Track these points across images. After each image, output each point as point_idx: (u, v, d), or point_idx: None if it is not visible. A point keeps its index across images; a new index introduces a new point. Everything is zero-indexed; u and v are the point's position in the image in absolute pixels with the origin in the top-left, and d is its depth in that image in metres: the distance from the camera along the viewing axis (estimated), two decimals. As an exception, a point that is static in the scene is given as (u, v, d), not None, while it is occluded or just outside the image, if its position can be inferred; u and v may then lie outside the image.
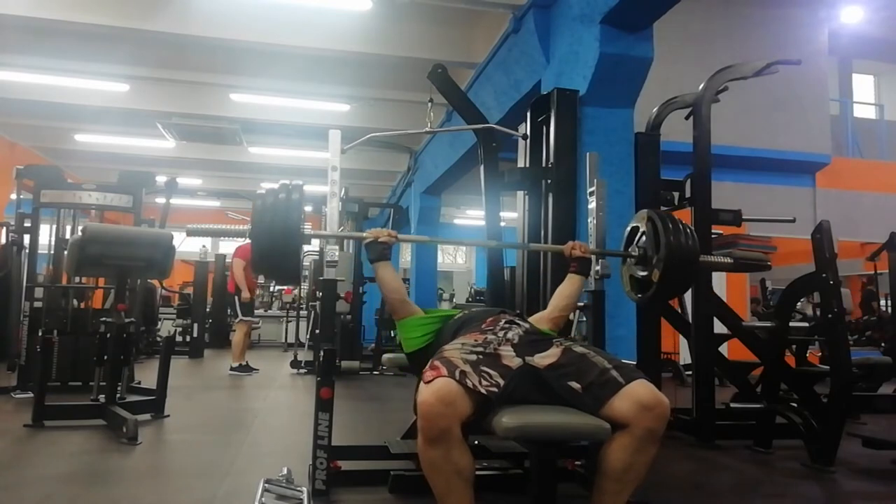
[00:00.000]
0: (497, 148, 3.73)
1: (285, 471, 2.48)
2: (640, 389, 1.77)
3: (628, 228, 2.58)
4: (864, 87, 11.18)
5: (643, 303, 2.62)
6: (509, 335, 2.01)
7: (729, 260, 2.70)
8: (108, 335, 3.99)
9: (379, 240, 2.34)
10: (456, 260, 18.12)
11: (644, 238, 2.44)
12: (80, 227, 4.27)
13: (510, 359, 1.89)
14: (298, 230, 2.16)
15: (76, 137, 9.36)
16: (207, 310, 9.47)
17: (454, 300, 13.49)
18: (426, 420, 1.69)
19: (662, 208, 4.10)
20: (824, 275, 3.35)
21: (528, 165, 3.73)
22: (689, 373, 5.38)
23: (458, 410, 1.70)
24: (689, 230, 2.37)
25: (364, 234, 2.40)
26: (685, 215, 4.07)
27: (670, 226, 2.33)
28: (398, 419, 3.47)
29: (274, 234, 2.12)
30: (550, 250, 2.53)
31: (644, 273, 2.44)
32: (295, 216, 2.15)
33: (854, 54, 10.29)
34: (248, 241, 2.19)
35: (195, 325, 8.72)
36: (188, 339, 8.89)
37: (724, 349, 4.63)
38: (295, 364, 7.23)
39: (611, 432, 1.75)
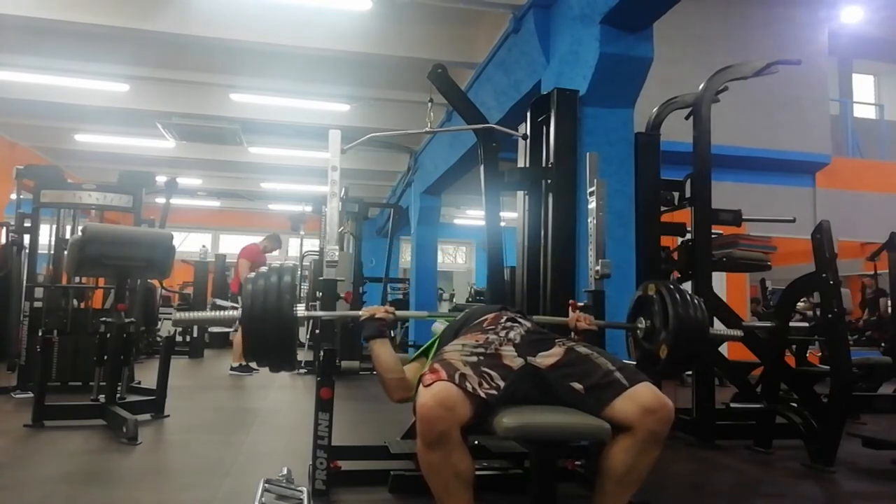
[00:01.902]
0: (497, 148, 3.72)
1: (285, 471, 2.48)
2: (644, 392, 1.77)
3: (634, 298, 2.51)
4: (864, 87, 11.17)
5: (654, 377, 2.44)
6: (511, 335, 2.00)
7: (739, 333, 2.63)
8: (108, 335, 3.99)
9: (376, 316, 2.24)
10: (456, 260, 18.12)
11: (652, 307, 2.35)
12: (80, 227, 4.27)
13: (511, 359, 1.89)
14: (292, 313, 2.06)
15: (76, 137, 9.35)
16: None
17: (454, 300, 13.48)
18: (425, 423, 1.69)
19: (662, 208, 4.11)
20: (824, 275, 3.35)
21: (528, 165, 3.72)
22: (689, 373, 5.38)
23: (457, 414, 1.70)
24: (697, 302, 2.29)
25: (360, 313, 2.31)
26: (685, 215, 4.07)
27: (678, 298, 2.25)
28: (398, 419, 3.47)
29: (267, 320, 2.01)
30: (554, 322, 2.43)
31: (651, 347, 2.35)
32: (288, 300, 2.04)
33: (854, 54, 10.29)
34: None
35: (195, 326, 8.72)
36: (188, 339, 8.89)
37: (724, 349, 4.63)
38: (295, 366, 7.21)
39: (611, 432, 1.75)
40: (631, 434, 1.75)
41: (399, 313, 2.36)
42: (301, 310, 2.13)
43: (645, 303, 2.42)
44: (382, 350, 2.21)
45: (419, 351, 2.37)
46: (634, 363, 2.26)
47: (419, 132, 3.96)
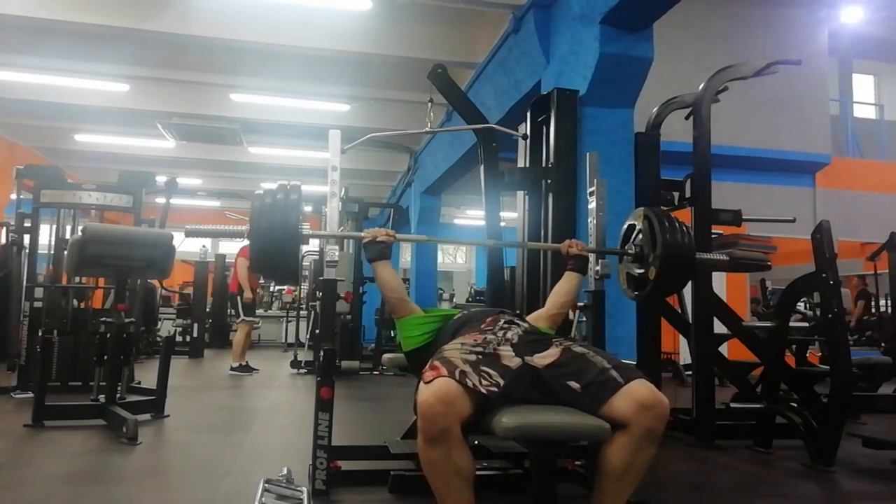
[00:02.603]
0: (497, 148, 3.73)
1: (285, 471, 2.48)
2: (639, 389, 1.77)
3: (625, 226, 2.59)
4: (864, 87, 11.17)
5: (640, 300, 2.63)
6: (509, 335, 2.00)
7: (724, 257, 2.71)
8: (108, 335, 3.99)
9: (377, 239, 2.34)
10: (456, 260, 18.12)
11: (640, 236, 2.45)
12: (79, 227, 4.27)
13: (510, 359, 1.89)
14: (297, 230, 2.17)
15: (76, 137, 9.36)
16: (207, 310, 9.47)
17: (454, 300, 13.48)
18: (426, 420, 1.69)
19: (662, 208, 4.11)
20: (824, 275, 3.35)
21: (528, 165, 3.73)
22: (689, 373, 5.38)
23: (457, 410, 1.70)
24: (685, 227, 2.39)
25: (362, 234, 2.40)
26: (685, 215, 4.07)
27: (666, 223, 2.34)
28: (398, 419, 3.47)
29: (272, 235, 2.13)
30: (548, 248, 2.54)
31: (641, 271, 2.46)
32: (293, 216, 2.15)
33: (854, 54, 10.29)
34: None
35: (195, 325, 8.72)
36: (188, 339, 8.90)
37: (724, 349, 4.63)
38: (295, 364, 7.23)
39: (610, 432, 1.75)
40: (627, 431, 1.75)
41: (399, 236, 2.46)
42: (307, 228, 2.26)
43: (634, 229, 2.52)
44: (385, 270, 2.35)
45: (429, 312, 2.39)
46: (634, 363, 2.27)
47: (419, 132, 3.96)
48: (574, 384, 1.82)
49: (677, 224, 2.37)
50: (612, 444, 1.78)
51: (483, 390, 1.74)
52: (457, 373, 1.75)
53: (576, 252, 2.49)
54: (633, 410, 1.74)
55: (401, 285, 2.42)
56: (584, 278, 2.56)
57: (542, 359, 1.91)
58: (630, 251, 2.50)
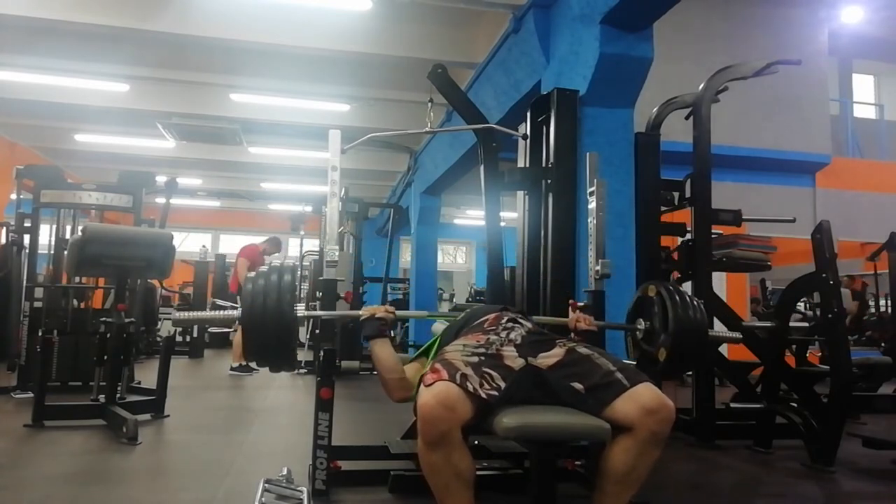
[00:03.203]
0: (497, 148, 3.72)
1: (285, 471, 2.48)
2: (644, 392, 1.76)
3: (634, 299, 2.51)
4: (864, 87, 11.17)
5: (654, 378, 2.44)
6: (512, 335, 2.00)
7: (738, 336, 2.64)
8: (108, 335, 3.99)
9: (376, 315, 2.22)
10: (456, 260, 18.13)
11: (651, 307, 2.36)
12: (79, 227, 4.27)
13: (512, 359, 1.89)
14: (292, 313, 2.05)
15: (76, 137, 9.35)
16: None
17: (454, 300, 13.48)
18: (426, 423, 1.69)
19: (662, 208, 4.11)
20: (824, 275, 3.35)
21: (528, 165, 3.72)
22: (689, 373, 5.38)
23: (458, 414, 1.70)
24: (697, 303, 2.29)
25: (360, 312, 2.30)
26: (685, 215, 4.07)
27: (678, 300, 2.25)
28: (398, 419, 3.47)
29: (266, 320, 2.01)
30: (554, 323, 2.43)
31: (650, 349, 2.35)
32: (287, 299, 2.03)
33: (854, 54, 10.28)
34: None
35: (195, 326, 8.71)
36: (188, 339, 8.89)
37: (724, 349, 4.63)
38: (295, 366, 7.23)
39: (611, 432, 1.75)
40: (631, 434, 1.74)
41: (399, 313, 2.35)
42: (301, 309, 2.13)
43: (645, 304, 2.42)
44: (383, 350, 2.20)
45: (419, 351, 2.37)
46: (635, 363, 2.26)
47: (419, 132, 3.96)
48: (578, 385, 1.82)
49: (689, 300, 2.28)
50: (615, 446, 1.77)
51: (483, 394, 1.74)
52: (457, 376, 1.74)
53: (584, 328, 2.29)
54: (637, 414, 1.73)
55: (399, 365, 2.21)
56: (584, 279, 2.55)
57: (546, 359, 1.90)
58: (640, 327, 2.41)
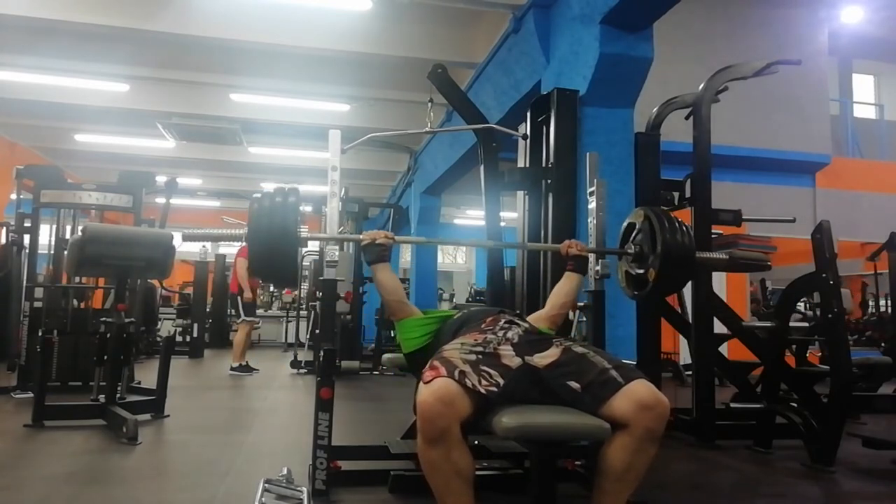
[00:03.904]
0: (497, 148, 3.72)
1: (285, 471, 2.48)
2: (639, 389, 1.77)
3: (624, 225, 2.59)
4: (864, 87, 11.17)
5: (639, 300, 2.63)
6: (509, 335, 2.00)
7: (724, 256, 2.70)
8: (108, 335, 3.99)
9: (376, 241, 2.34)
10: (456, 260, 18.12)
11: (640, 235, 2.45)
12: (80, 227, 4.27)
13: (510, 358, 1.89)
14: (295, 233, 2.17)
15: (76, 137, 9.36)
16: (207, 310, 9.47)
17: (454, 300, 13.48)
18: (425, 420, 1.69)
19: (662, 207, 4.11)
20: (824, 275, 3.35)
21: (528, 165, 3.73)
22: (689, 373, 5.38)
23: (457, 410, 1.70)
24: (685, 227, 2.38)
25: (361, 237, 2.39)
26: (685, 215, 4.07)
27: (667, 223, 2.33)
28: (398, 419, 3.47)
29: (271, 238, 2.13)
30: (547, 249, 2.53)
31: (640, 271, 2.45)
32: (291, 219, 2.15)
33: (854, 54, 10.29)
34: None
35: (195, 325, 8.72)
36: (188, 339, 8.90)
37: (724, 349, 4.63)
38: (295, 364, 7.23)
39: (611, 432, 1.75)
40: (628, 431, 1.75)
41: (399, 238, 2.45)
42: (305, 231, 2.25)
43: (635, 228, 2.50)
44: (384, 273, 2.36)
45: (428, 313, 2.40)
46: (634, 363, 2.27)
47: (419, 132, 3.96)
48: (574, 384, 1.82)
49: (677, 223, 2.37)
50: (612, 444, 1.77)
51: (482, 390, 1.75)
52: (456, 373, 1.75)
53: (575, 252, 2.48)
54: (633, 410, 1.74)
55: (400, 288, 2.42)
56: (584, 278, 2.56)
57: (543, 358, 1.91)
58: (630, 251, 2.50)
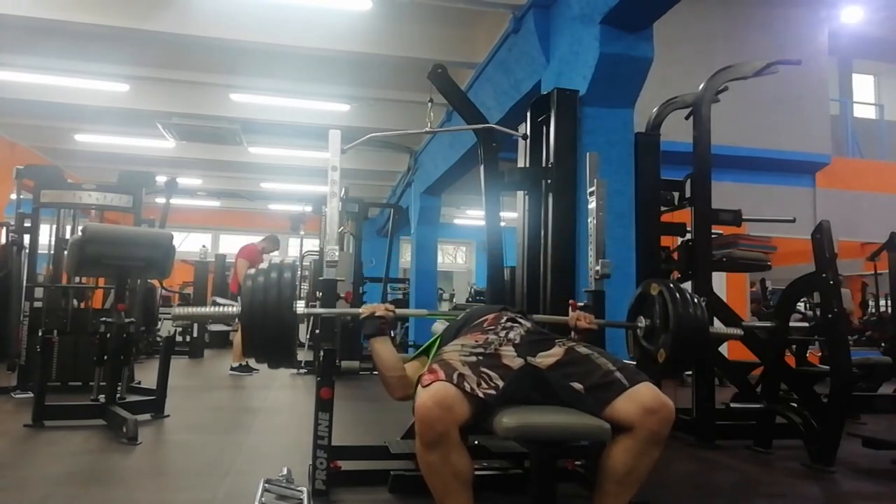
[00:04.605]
0: (497, 148, 3.72)
1: (285, 471, 2.48)
2: (644, 392, 1.77)
3: (635, 295, 2.50)
4: (864, 87, 11.17)
5: (653, 377, 2.45)
6: (511, 335, 2.00)
7: (739, 332, 2.63)
8: (108, 335, 3.99)
9: (375, 314, 2.22)
10: (456, 260, 18.12)
11: (652, 306, 2.35)
12: (80, 227, 4.27)
13: (511, 359, 1.88)
14: (291, 310, 2.05)
15: (76, 137, 9.35)
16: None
17: (454, 300, 13.47)
18: (424, 424, 1.69)
19: (662, 208, 4.11)
20: (824, 275, 3.35)
21: (528, 165, 3.72)
22: (689, 373, 5.38)
23: (455, 414, 1.70)
24: (697, 301, 2.28)
25: (360, 311, 2.28)
26: (685, 215, 4.07)
27: (679, 298, 2.24)
28: (398, 419, 3.47)
29: (266, 317, 2.01)
30: (554, 322, 2.42)
31: (651, 347, 2.35)
32: (287, 296, 2.03)
33: (854, 54, 10.28)
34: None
35: (195, 325, 8.71)
36: (188, 339, 8.89)
37: (724, 349, 4.63)
38: (295, 364, 7.23)
39: (611, 432, 1.75)
40: (631, 434, 1.74)
41: (399, 311, 2.35)
42: (301, 307, 2.13)
43: (646, 301, 2.41)
44: (383, 348, 2.20)
45: (420, 350, 2.37)
46: (635, 363, 2.26)
47: (419, 132, 3.96)
48: (577, 385, 1.82)
49: (690, 298, 2.27)
50: (615, 446, 1.77)
51: (481, 394, 1.74)
52: (455, 376, 1.74)
53: (584, 327, 2.26)
54: (637, 413, 1.73)
55: (399, 363, 2.22)
56: (584, 279, 2.55)
57: (546, 358, 1.90)
58: (640, 325, 2.40)
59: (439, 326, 2.55)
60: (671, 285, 2.33)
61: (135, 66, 6.67)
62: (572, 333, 2.29)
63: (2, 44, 6.21)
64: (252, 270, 2.13)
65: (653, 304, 2.35)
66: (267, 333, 2.02)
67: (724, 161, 5.85)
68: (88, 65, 6.60)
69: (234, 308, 2.11)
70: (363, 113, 7.76)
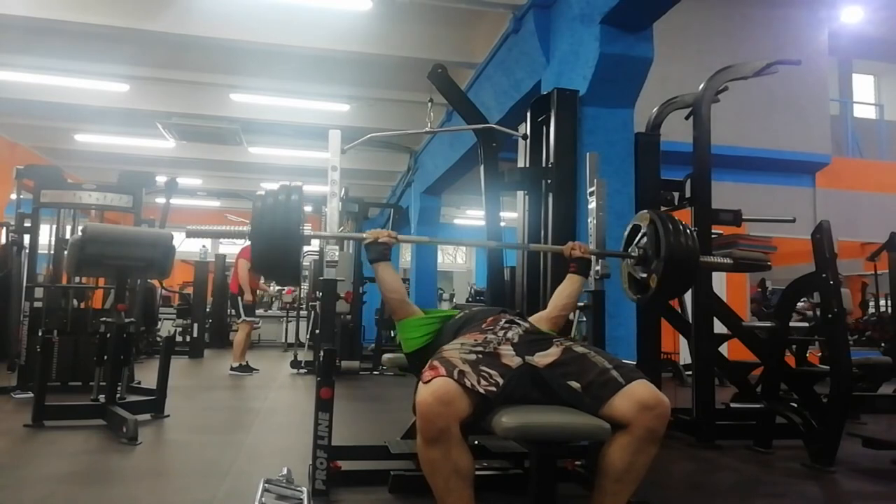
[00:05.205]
0: (497, 148, 3.72)
1: (285, 471, 2.48)
2: (640, 389, 1.77)
3: (629, 227, 2.57)
4: (864, 87, 11.17)
5: (641, 303, 2.62)
6: (509, 335, 2.01)
7: (729, 261, 2.69)
8: (108, 335, 3.99)
9: (378, 240, 2.34)
10: (456, 260, 18.12)
11: (644, 238, 2.44)
12: (80, 227, 4.27)
13: (510, 358, 1.89)
14: (298, 231, 2.17)
15: (76, 137, 9.36)
16: (207, 310, 9.47)
17: (454, 300, 13.47)
18: (425, 420, 1.69)
19: (662, 208, 4.11)
20: (824, 275, 3.35)
21: (528, 165, 3.73)
22: (689, 373, 5.38)
23: (456, 410, 1.70)
24: (689, 231, 2.36)
25: (363, 235, 2.40)
26: (685, 215, 4.07)
27: (671, 227, 2.31)
28: (398, 419, 3.47)
29: (274, 236, 2.13)
30: (550, 251, 2.52)
31: (643, 275, 2.43)
32: (295, 217, 2.15)
33: (854, 54, 10.29)
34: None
35: (195, 325, 8.73)
36: (188, 339, 8.90)
37: (724, 349, 4.63)
38: (295, 364, 7.23)
39: (611, 432, 1.75)
40: (628, 432, 1.75)
41: (401, 238, 2.45)
42: (308, 230, 2.25)
43: (639, 231, 2.48)
44: (386, 272, 2.36)
45: (433, 317, 2.39)
46: (634, 363, 2.27)
47: (419, 132, 3.96)
48: (575, 384, 1.83)
49: (682, 227, 2.34)
50: (612, 444, 1.78)
51: (481, 390, 1.75)
52: (455, 372, 1.75)
53: (578, 255, 2.48)
54: (633, 411, 1.74)
55: (401, 287, 2.43)
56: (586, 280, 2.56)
57: (543, 358, 1.91)
58: (633, 254, 2.47)
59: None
60: (663, 214, 2.40)
61: (135, 66, 6.68)
62: (570, 266, 2.48)
63: (2, 44, 6.21)
64: (261, 192, 2.22)
65: (645, 234, 2.42)
66: (275, 252, 2.14)
67: (724, 161, 5.86)
68: (88, 65, 6.61)
69: (245, 227, 2.22)
70: (363, 113, 7.76)
